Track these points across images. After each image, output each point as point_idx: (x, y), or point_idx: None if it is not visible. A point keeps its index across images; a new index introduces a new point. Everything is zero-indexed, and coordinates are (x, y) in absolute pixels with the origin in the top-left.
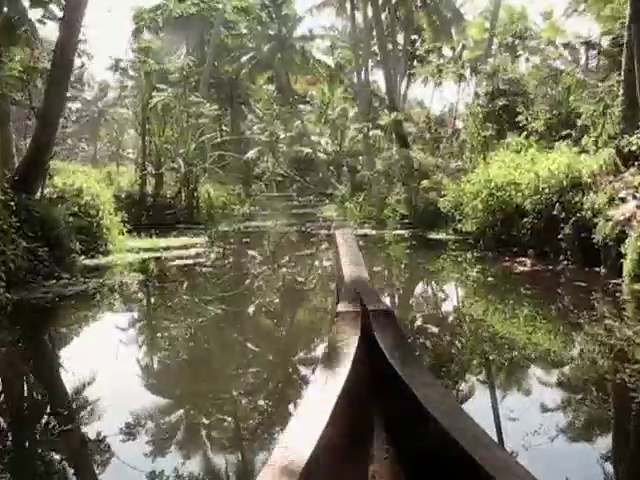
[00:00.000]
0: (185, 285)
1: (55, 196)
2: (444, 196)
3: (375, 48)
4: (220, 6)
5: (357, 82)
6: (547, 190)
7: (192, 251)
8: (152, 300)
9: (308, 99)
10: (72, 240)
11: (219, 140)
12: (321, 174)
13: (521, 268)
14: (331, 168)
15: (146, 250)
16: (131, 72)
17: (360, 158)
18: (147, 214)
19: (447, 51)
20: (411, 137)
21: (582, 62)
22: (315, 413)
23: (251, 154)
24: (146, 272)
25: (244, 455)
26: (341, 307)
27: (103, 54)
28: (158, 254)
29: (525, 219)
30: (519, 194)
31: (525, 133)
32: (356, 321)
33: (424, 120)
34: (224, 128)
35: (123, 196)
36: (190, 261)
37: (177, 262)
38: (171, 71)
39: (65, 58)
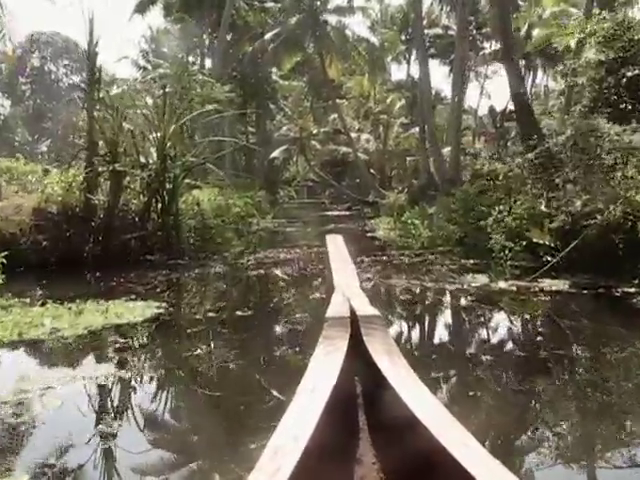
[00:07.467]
0: None
1: None
2: None
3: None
4: None
5: (420, 68)
6: None
7: (79, 382)
8: None
9: (344, 92)
10: None
11: (217, 118)
12: (358, 178)
13: None
14: (372, 171)
15: None
16: (141, 61)
17: (408, 159)
18: (95, 240)
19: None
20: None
21: None
22: (303, 417)
23: (277, 153)
24: None
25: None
26: (330, 312)
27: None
28: None
29: None
30: None
31: None
32: (345, 326)
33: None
34: (249, 129)
35: (54, 210)
36: None
37: None
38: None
39: None
